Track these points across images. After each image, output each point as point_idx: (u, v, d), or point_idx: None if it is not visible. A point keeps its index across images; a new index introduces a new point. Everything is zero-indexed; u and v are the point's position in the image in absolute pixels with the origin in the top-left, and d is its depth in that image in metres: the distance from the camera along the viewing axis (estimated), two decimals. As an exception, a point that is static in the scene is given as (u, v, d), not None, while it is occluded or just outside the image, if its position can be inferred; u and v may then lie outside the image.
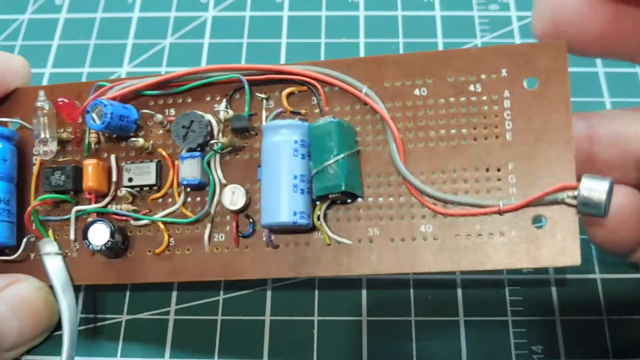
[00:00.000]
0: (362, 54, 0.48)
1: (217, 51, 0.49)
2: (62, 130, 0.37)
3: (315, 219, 0.33)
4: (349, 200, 0.34)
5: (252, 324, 0.39)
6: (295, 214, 0.32)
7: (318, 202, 0.33)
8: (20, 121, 0.37)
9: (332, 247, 0.34)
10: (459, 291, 0.39)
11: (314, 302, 0.39)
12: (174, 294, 0.40)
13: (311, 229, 0.33)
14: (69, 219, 0.36)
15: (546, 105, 0.32)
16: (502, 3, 0.50)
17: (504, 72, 0.33)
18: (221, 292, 0.40)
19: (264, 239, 0.34)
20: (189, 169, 0.34)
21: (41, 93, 0.37)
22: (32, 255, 0.37)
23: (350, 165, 0.33)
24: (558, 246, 0.31)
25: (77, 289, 0.36)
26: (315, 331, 0.39)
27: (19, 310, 0.35)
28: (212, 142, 0.34)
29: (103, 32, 0.50)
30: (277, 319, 0.39)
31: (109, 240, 0.34)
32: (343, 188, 0.32)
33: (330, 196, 0.33)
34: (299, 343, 0.38)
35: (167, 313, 0.40)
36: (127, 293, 0.40)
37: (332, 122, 0.33)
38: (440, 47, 0.48)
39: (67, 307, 0.35)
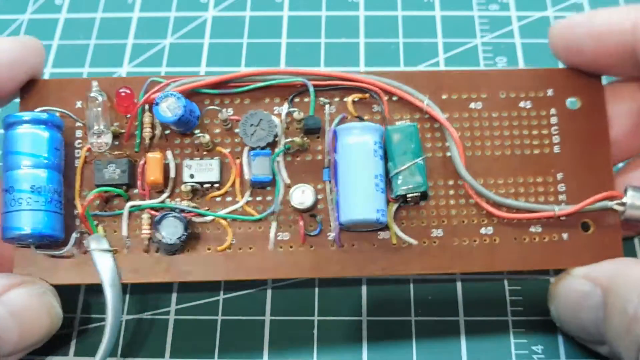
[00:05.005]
0: (362, 54, 0.48)
1: (217, 51, 0.49)
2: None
3: (389, 218, 0.34)
4: (421, 202, 0.35)
5: (252, 324, 0.39)
6: (378, 211, 0.33)
7: (390, 202, 0.35)
8: (68, 112, 0.36)
9: (397, 246, 0.35)
10: (459, 291, 0.39)
11: (314, 302, 0.39)
12: (174, 294, 0.40)
13: (379, 228, 0.35)
14: (118, 214, 0.35)
15: (587, 122, 0.36)
16: (502, 3, 0.50)
17: (549, 92, 0.36)
18: (221, 292, 0.40)
19: (330, 237, 0.35)
20: (260, 167, 0.35)
21: (94, 83, 0.36)
22: (77, 251, 0.35)
23: (425, 168, 0.35)
24: (604, 248, 0.35)
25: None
26: (315, 331, 0.39)
27: (20, 316, 0.33)
28: (287, 140, 0.35)
29: (103, 32, 0.50)
30: (277, 319, 0.39)
31: (183, 234, 0.34)
32: (424, 189, 0.34)
33: (408, 196, 0.34)
34: (299, 343, 0.38)
35: (167, 313, 0.40)
36: (127, 293, 0.40)
37: (412, 125, 0.35)
38: (440, 47, 0.48)
39: (113, 308, 0.34)
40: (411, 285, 0.40)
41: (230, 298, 0.40)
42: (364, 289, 0.40)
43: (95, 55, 0.49)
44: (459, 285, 0.40)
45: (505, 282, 0.40)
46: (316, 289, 0.40)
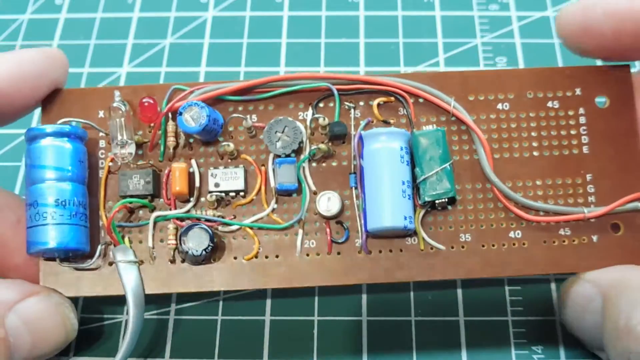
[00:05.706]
0: (362, 54, 0.48)
1: (217, 51, 0.49)
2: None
3: (416, 224, 0.34)
4: (449, 206, 0.35)
5: (252, 324, 0.39)
6: (405, 218, 0.33)
7: (417, 208, 0.35)
8: (91, 123, 0.36)
9: (425, 252, 0.35)
10: (459, 291, 0.39)
11: (314, 302, 0.39)
12: (174, 294, 0.40)
13: (407, 234, 0.34)
14: (143, 225, 0.35)
15: (616, 121, 0.36)
16: (502, 3, 0.50)
17: (578, 91, 0.36)
18: (221, 293, 0.40)
19: (358, 244, 0.35)
20: (286, 175, 0.35)
21: (117, 93, 0.35)
22: (102, 263, 0.35)
23: (453, 172, 0.35)
24: (632, 250, 0.35)
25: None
26: (315, 331, 0.39)
27: (34, 325, 0.33)
28: (313, 147, 0.35)
29: (103, 32, 0.50)
30: (277, 319, 0.39)
31: (209, 245, 0.34)
32: (452, 195, 0.34)
33: (437, 202, 0.34)
34: (299, 343, 0.38)
35: (167, 313, 0.40)
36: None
37: (440, 131, 0.35)
38: (440, 47, 0.48)
39: (134, 322, 0.33)
40: (411, 286, 0.40)
41: (231, 298, 0.40)
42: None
43: (95, 55, 0.49)
44: (459, 285, 0.40)
45: (505, 282, 0.40)
46: (316, 290, 0.40)
